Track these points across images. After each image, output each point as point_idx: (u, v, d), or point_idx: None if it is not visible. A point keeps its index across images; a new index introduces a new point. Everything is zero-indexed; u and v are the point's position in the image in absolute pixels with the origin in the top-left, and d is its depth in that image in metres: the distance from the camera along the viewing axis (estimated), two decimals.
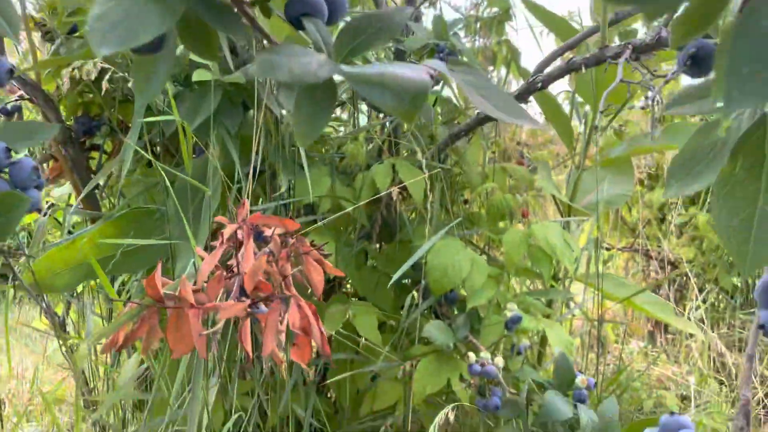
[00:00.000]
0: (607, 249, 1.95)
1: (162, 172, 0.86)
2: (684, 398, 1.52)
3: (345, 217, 1.26)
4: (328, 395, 1.39)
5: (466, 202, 1.48)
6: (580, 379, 0.99)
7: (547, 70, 0.98)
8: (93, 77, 0.86)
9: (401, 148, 1.27)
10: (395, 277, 1.05)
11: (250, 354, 0.54)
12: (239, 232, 0.65)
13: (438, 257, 1.12)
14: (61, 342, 1.30)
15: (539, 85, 0.88)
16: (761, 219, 0.25)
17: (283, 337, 0.54)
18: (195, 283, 0.61)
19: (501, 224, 1.30)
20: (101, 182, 1.26)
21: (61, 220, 1.31)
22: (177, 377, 0.93)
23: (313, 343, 0.54)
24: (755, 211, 0.25)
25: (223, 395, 1.05)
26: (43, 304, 1.19)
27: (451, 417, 0.91)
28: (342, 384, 1.25)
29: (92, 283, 1.43)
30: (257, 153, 0.97)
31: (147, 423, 0.87)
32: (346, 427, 1.22)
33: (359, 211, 1.20)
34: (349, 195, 1.18)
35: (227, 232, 0.61)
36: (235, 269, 0.62)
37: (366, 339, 1.19)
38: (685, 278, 2.16)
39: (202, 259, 0.63)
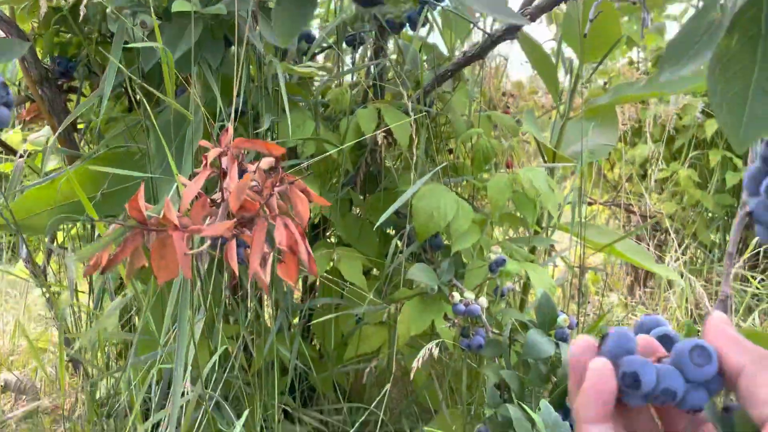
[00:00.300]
0: (590, 204, 1.97)
1: (144, 105, 0.84)
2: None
3: (329, 163, 1.25)
4: (313, 342, 1.40)
5: (451, 152, 1.47)
6: (563, 318, 1.00)
7: (536, 2, 0.97)
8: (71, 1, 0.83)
9: (387, 93, 1.25)
10: (380, 220, 1.05)
11: (236, 272, 0.54)
12: (223, 158, 0.64)
13: (423, 201, 1.12)
14: (43, 289, 1.29)
15: (528, 17, 0.86)
16: (755, 92, 0.25)
17: (268, 256, 0.54)
18: (179, 210, 0.60)
19: (486, 176, 1.30)
20: (80, 127, 1.23)
21: (38, 167, 1.28)
22: (164, 319, 0.93)
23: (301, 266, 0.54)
24: (750, 84, 0.25)
25: (209, 337, 1.05)
26: (23, 252, 1.17)
27: (435, 352, 0.92)
28: (327, 329, 1.26)
29: (73, 230, 1.41)
30: (239, 94, 0.95)
31: (131, 360, 0.86)
32: (331, 370, 1.24)
33: (344, 157, 1.19)
34: (333, 139, 1.17)
35: (211, 155, 0.60)
36: (220, 197, 0.62)
37: (351, 284, 1.20)
38: (665, 233, 2.19)
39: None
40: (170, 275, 0.60)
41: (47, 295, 1.28)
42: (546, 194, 1.12)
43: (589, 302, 1.68)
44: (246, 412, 0.87)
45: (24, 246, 1.23)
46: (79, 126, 1.21)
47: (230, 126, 0.63)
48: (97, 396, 1.10)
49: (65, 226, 1.43)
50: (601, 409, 0.31)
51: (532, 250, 1.35)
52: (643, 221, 2.24)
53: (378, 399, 1.11)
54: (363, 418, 1.10)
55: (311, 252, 0.55)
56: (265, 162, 0.67)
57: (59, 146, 1.01)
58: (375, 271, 1.37)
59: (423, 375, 1.20)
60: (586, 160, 1.39)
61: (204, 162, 0.60)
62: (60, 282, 1.44)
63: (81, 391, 1.05)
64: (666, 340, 0.33)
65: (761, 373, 0.29)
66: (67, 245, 1.39)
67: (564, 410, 0.96)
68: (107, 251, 0.57)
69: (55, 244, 1.34)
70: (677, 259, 1.76)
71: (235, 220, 0.53)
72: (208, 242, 0.56)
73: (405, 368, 1.39)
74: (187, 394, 0.77)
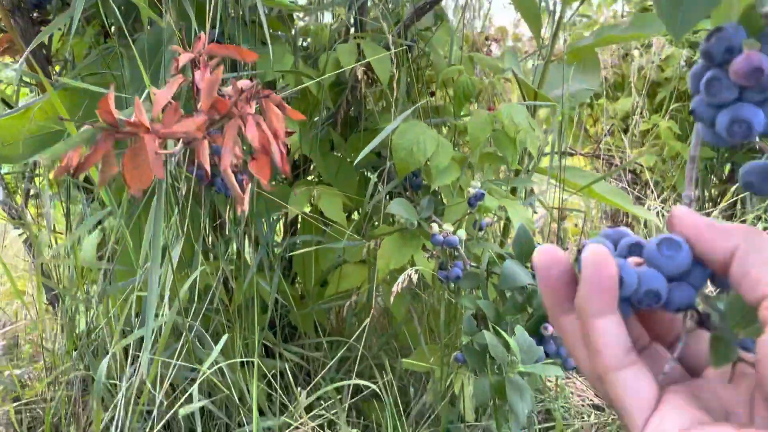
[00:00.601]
0: (570, 154, 1.98)
1: (119, 31, 0.82)
2: None
3: (309, 101, 1.24)
4: (294, 283, 1.41)
5: (432, 94, 1.46)
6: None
7: None
8: None
9: (367, 28, 1.24)
10: (360, 156, 1.04)
11: (208, 171, 0.54)
12: (197, 72, 0.63)
13: (403, 137, 1.12)
14: (21, 230, 1.28)
15: None
16: None
17: (239, 153, 0.54)
18: (151, 118, 0.60)
19: (466, 118, 1.30)
20: (53, 58, 1.21)
21: (11, 102, 1.26)
22: (141, 247, 0.93)
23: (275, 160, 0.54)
24: None
25: (189, 269, 1.05)
26: (0, 193, 1.16)
27: (414, 278, 0.93)
28: (307, 267, 1.27)
29: (51, 176, 1.39)
30: (213, 26, 0.93)
31: (107, 287, 0.86)
32: (311, 307, 1.25)
33: (323, 93, 1.18)
34: (312, 74, 1.16)
35: (182, 59, 0.59)
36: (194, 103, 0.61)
37: (331, 222, 1.20)
38: (644, 186, 2.21)
39: None
40: (144, 184, 0.60)
41: (26, 236, 1.28)
42: (526, 131, 1.12)
43: (567, 248, 1.70)
44: (224, 338, 0.88)
45: (0, 187, 1.21)
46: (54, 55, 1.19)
47: (203, 34, 0.62)
48: (77, 331, 1.10)
49: (41, 170, 1.42)
50: (605, 296, 0.28)
51: (513, 192, 1.36)
52: (625, 173, 2.26)
53: (357, 333, 1.13)
54: (342, 351, 1.11)
55: (284, 151, 0.55)
56: (242, 82, 0.67)
57: (27, 69, 0.99)
58: (355, 215, 1.37)
59: (402, 311, 1.22)
60: (567, 103, 1.39)
61: (175, 66, 0.59)
62: (38, 224, 1.42)
63: (60, 322, 1.05)
64: (637, 249, 0.32)
65: (752, 253, 0.27)
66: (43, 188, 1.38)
67: (539, 337, 0.99)
68: (78, 152, 0.56)
69: (32, 181, 1.32)
70: (656, 210, 1.79)
71: (206, 117, 0.53)
72: (180, 145, 0.56)
73: (385, 308, 1.41)
74: (163, 316, 0.77)
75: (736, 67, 0.29)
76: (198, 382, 0.83)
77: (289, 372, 1.11)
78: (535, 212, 1.72)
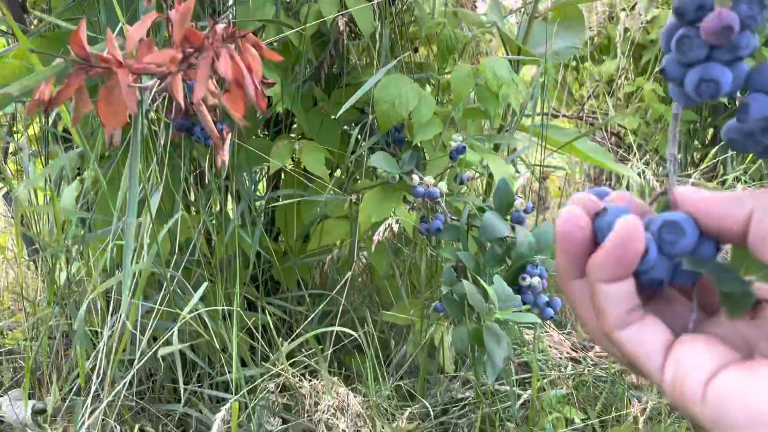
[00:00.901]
0: (554, 116, 1.98)
1: None
2: None
3: (291, 54, 1.22)
4: (278, 240, 1.42)
5: (416, 50, 1.45)
6: (519, 202, 1.03)
7: None
8: None
9: None
10: (342, 109, 1.04)
11: (182, 104, 0.53)
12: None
13: (385, 91, 1.11)
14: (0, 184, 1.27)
15: None
16: None
17: (212, 88, 0.54)
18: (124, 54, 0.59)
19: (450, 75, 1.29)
20: (32, 8, 1.18)
21: None
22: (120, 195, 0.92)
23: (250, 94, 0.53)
24: None
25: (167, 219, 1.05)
26: None
27: (395, 228, 0.94)
28: (290, 222, 1.27)
29: (30, 128, 1.37)
30: None
31: (86, 235, 0.86)
32: (294, 261, 1.25)
33: (305, 45, 1.17)
34: (294, 25, 1.14)
35: None
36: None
37: (313, 177, 1.20)
38: (628, 149, 2.22)
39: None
40: (118, 122, 0.60)
41: (5, 190, 1.26)
42: (508, 84, 1.12)
43: (548, 207, 1.71)
44: (204, 285, 0.88)
45: None
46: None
47: None
48: (58, 284, 1.10)
49: (19, 127, 1.40)
50: (623, 269, 0.28)
51: (495, 150, 1.36)
52: (609, 137, 2.27)
53: (339, 287, 1.14)
54: (325, 306, 1.12)
55: (258, 85, 0.54)
56: (218, 27, 0.66)
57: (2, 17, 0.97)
58: (338, 173, 1.37)
59: (384, 266, 1.23)
60: (551, 59, 1.39)
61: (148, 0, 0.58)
62: (18, 179, 1.41)
63: (41, 274, 1.05)
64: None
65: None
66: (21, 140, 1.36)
67: (517, 287, 1.00)
68: (50, 86, 0.55)
69: (11, 134, 1.30)
70: (639, 171, 1.80)
71: (179, 48, 0.52)
72: (155, 80, 0.55)
73: (367, 263, 1.42)
74: (142, 261, 0.77)
75: (706, 25, 0.29)
76: (177, 325, 0.83)
77: (271, 326, 1.12)
78: (518, 172, 1.73)
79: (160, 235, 0.82)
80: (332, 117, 1.29)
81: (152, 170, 0.90)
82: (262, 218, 1.30)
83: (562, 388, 1.12)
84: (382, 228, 0.94)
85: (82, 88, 0.58)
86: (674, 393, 0.26)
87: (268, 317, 1.08)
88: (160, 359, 1.19)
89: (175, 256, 1.03)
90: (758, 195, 0.27)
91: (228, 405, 0.76)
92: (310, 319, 1.07)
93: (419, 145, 1.23)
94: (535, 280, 0.98)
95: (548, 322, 1.35)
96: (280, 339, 1.02)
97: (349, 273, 1.16)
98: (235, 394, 0.87)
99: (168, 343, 0.98)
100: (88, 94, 0.60)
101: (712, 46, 0.30)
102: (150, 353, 0.80)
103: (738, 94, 0.32)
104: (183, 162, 1.01)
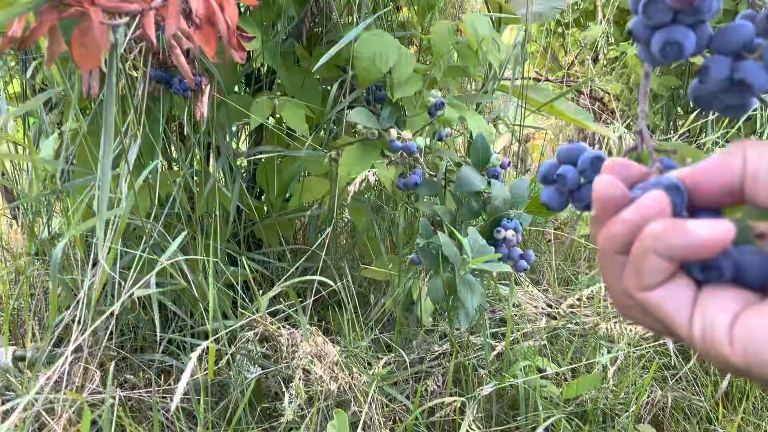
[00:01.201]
0: (536, 80, 1.98)
1: None
2: None
3: (272, 9, 1.22)
4: (261, 199, 1.42)
5: (399, 9, 1.45)
6: (495, 158, 1.04)
7: None
8: None
9: None
10: (322, 60, 1.04)
11: (154, 42, 0.54)
12: None
13: (365, 46, 1.11)
14: None
15: None
16: None
17: (184, 26, 0.54)
18: None
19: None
20: None
21: None
22: (99, 147, 0.93)
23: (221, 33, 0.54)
24: None
25: (149, 174, 1.05)
26: None
27: (372, 179, 0.95)
28: (270, 180, 1.28)
29: (9, 87, 1.36)
30: None
31: (65, 184, 0.87)
32: (275, 218, 1.26)
33: (287, 2, 1.16)
34: None
35: None
36: None
37: (294, 134, 1.20)
38: (610, 114, 2.24)
39: None
40: (93, 63, 0.60)
41: None
42: (488, 40, 1.13)
43: (529, 170, 1.73)
44: (183, 234, 0.90)
45: None
46: None
47: None
48: (39, 237, 1.10)
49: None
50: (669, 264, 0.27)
51: (477, 108, 1.37)
52: (592, 102, 2.28)
53: (319, 242, 1.15)
54: (305, 259, 1.14)
55: (231, 24, 0.55)
56: None
57: None
58: (321, 134, 1.38)
59: (363, 222, 1.24)
60: (533, 19, 1.39)
61: None
62: None
63: (21, 225, 1.05)
64: (598, 162, 0.33)
65: (762, 162, 0.27)
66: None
67: (492, 241, 1.02)
68: (22, 23, 0.56)
69: None
70: (620, 134, 1.82)
71: None
72: (127, 18, 0.55)
73: (348, 222, 1.43)
74: (119, 208, 0.78)
75: None
76: (156, 270, 0.85)
77: (251, 280, 1.13)
78: (500, 133, 1.75)
79: (137, 182, 0.83)
80: (314, 75, 1.29)
81: (130, 120, 0.91)
82: (244, 176, 1.31)
83: (536, 341, 1.15)
84: (358, 179, 0.95)
85: (55, 28, 0.58)
86: (705, 344, 0.27)
87: (249, 272, 1.09)
88: (142, 312, 1.21)
89: (155, 209, 1.04)
90: (745, 145, 0.28)
91: (204, 345, 0.78)
92: (290, 272, 1.08)
93: (399, 103, 1.24)
94: (510, 233, 1.00)
95: (526, 280, 1.38)
96: (261, 293, 1.04)
97: (329, 229, 1.18)
98: (214, 340, 0.89)
99: (149, 298, 1.00)
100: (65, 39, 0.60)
101: (677, 10, 0.32)
102: (127, 295, 0.81)
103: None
104: (161, 115, 1.01)
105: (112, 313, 1.03)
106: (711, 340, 0.26)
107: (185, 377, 0.68)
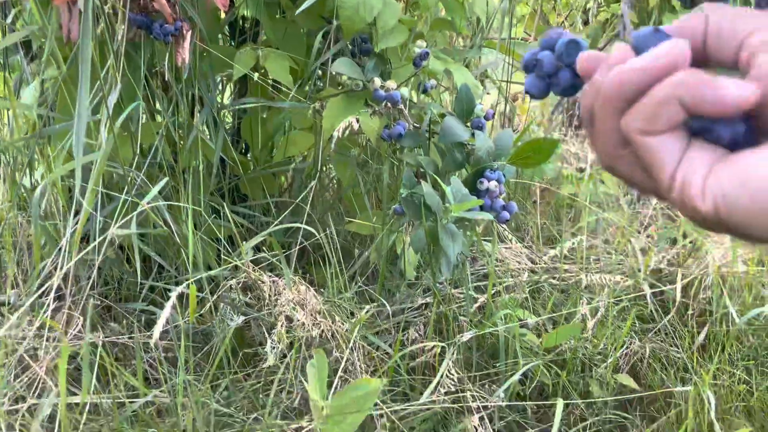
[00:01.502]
0: (525, 40, 1.97)
1: None
2: (581, 170, 1.64)
3: None
4: (247, 155, 1.42)
5: None
6: (480, 108, 1.04)
7: None
8: None
9: None
10: (305, 5, 1.03)
11: None
12: None
13: None
14: None
15: None
16: None
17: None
18: None
19: None
20: None
21: None
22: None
23: None
24: None
25: (131, 122, 1.04)
26: None
27: (356, 126, 0.95)
28: (255, 133, 1.27)
29: None
30: None
31: (45, 129, 0.86)
32: (259, 170, 1.26)
33: None
34: None
35: None
36: None
37: (279, 86, 1.19)
38: None
39: None
40: None
41: None
42: None
43: (516, 129, 1.73)
44: (165, 180, 0.89)
45: None
46: None
47: None
48: (19, 183, 1.10)
49: None
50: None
51: (465, 64, 1.36)
52: None
53: (304, 194, 1.15)
54: (289, 211, 1.14)
55: None
56: None
57: None
58: (307, 88, 1.36)
59: (348, 176, 1.24)
60: None
61: None
62: None
63: (2, 175, 1.04)
64: (574, 45, 0.33)
65: (719, 18, 0.28)
66: None
67: (476, 192, 1.02)
68: None
69: None
70: None
71: None
72: None
73: (333, 178, 1.43)
74: (98, 152, 0.77)
75: None
76: (137, 211, 0.85)
77: (237, 235, 1.13)
78: (488, 93, 1.74)
79: (116, 123, 0.82)
80: (298, 25, 1.27)
81: (110, 65, 0.89)
82: (229, 131, 1.30)
83: (518, 294, 1.16)
84: (342, 125, 0.95)
85: None
86: (681, 194, 0.28)
87: (233, 225, 1.09)
88: (126, 265, 1.21)
89: (137, 159, 1.03)
90: (708, 5, 0.29)
91: (186, 283, 0.78)
92: (275, 224, 1.08)
93: (385, 56, 1.23)
94: (492, 184, 1.00)
95: (509, 235, 1.39)
96: (244, 243, 1.04)
97: (314, 182, 1.17)
98: (197, 286, 0.90)
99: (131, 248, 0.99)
100: None
101: None
102: (107, 234, 0.81)
103: None
104: (143, 62, 1.00)
105: (94, 263, 1.03)
106: (688, 193, 0.28)
107: (165, 313, 0.69)
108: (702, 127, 0.28)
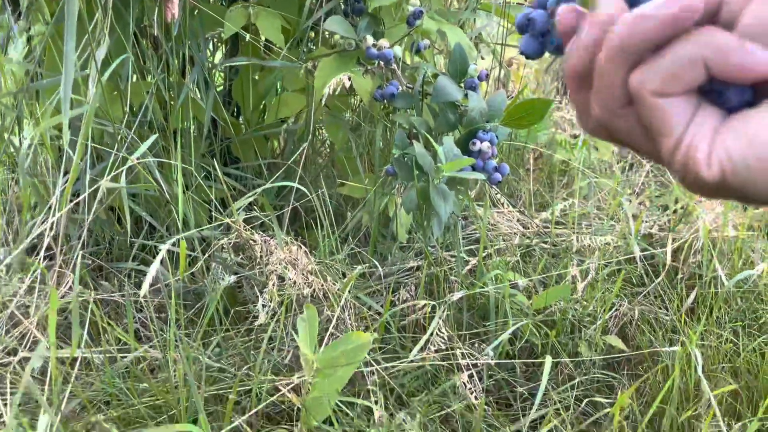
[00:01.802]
0: (519, 4, 1.94)
1: None
2: (575, 137, 1.64)
3: None
4: (238, 118, 1.40)
5: None
6: (473, 69, 1.03)
7: None
8: None
9: None
10: None
11: None
12: None
13: None
14: None
15: None
16: None
17: None
18: None
19: None
20: None
21: None
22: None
23: None
24: None
25: (120, 80, 1.03)
26: None
27: (347, 84, 0.94)
28: (246, 93, 1.25)
29: None
30: None
31: (33, 83, 0.84)
32: (251, 133, 1.25)
33: None
34: None
35: None
36: None
37: (270, 44, 1.18)
38: None
39: None
40: None
41: None
42: None
43: (510, 95, 1.72)
44: (154, 137, 0.88)
45: None
46: None
47: None
48: (6, 140, 1.08)
49: None
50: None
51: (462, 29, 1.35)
52: None
53: (296, 156, 1.14)
54: (282, 171, 1.13)
55: None
56: None
57: None
58: (299, 49, 1.35)
59: (340, 138, 1.23)
60: None
61: None
62: None
63: None
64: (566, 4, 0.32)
65: None
66: None
67: (468, 153, 1.02)
68: None
69: None
70: None
71: None
72: None
73: (326, 141, 1.42)
74: (86, 105, 0.76)
75: None
76: (126, 166, 0.84)
77: (229, 197, 1.13)
78: (482, 57, 1.72)
79: (104, 75, 0.81)
80: None
81: (98, 19, 0.88)
82: (220, 92, 1.29)
83: (509, 256, 1.17)
84: (333, 82, 0.94)
85: None
86: (687, 161, 0.27)
87: (225, 187, 1.09)
88: (117, 226, 1.20)
89: (127, 117, 1.02)
90: None
91: (174, 239, 0.78)
92: (267, 184, 1.08)
93: (378, 15, 1.21)
94: (485, 145, 1.00)
95: (502, 199, 1.39)
96: (236, 203, 1.04)
97: (306, 144, 1.17)
98: (187, 246, 0.89)
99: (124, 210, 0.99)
100: None
101: None
102: (97, 188, 0.81)
103: None
104: (132, 18, 0.98)
105: (84, 222, 1.03)
106: (694, 153, 0.27)
107: (154, 266, 0.69)
108: (714, 89, 0.27)
